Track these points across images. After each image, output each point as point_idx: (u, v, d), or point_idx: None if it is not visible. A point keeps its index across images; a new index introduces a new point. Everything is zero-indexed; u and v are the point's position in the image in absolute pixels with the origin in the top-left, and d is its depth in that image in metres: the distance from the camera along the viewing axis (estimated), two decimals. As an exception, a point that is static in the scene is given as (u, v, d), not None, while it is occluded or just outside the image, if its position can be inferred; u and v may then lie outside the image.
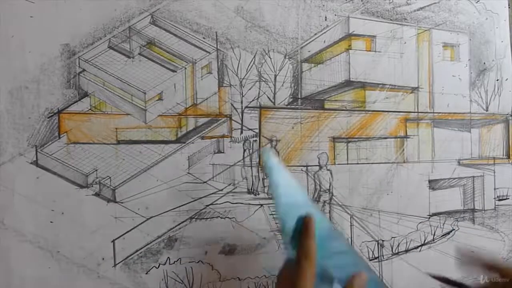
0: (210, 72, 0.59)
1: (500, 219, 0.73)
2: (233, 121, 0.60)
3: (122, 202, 0.55)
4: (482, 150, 0.72)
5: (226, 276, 0.59)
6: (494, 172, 0.73)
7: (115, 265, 0.55)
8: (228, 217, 0.59)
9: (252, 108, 0.61)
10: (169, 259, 0.57)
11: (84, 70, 0.54)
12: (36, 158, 0.53)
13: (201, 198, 0.58)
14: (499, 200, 0.73)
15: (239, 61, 0.60)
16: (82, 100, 0.54)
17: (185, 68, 0.58)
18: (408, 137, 0.69)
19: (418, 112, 0.69)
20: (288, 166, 0.62)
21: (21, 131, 0.52)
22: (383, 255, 0.67)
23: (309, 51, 0.63)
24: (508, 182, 0.73)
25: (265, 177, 0.61)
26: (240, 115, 0.60)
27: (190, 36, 0.58)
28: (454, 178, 0.71)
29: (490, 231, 0.72)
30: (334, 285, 0.40)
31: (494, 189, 0.73)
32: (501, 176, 0.73)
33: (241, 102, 0.60)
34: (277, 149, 0.62)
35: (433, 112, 0.70)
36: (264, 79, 0.61)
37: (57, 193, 0.53)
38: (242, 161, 0.60)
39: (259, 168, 0.61)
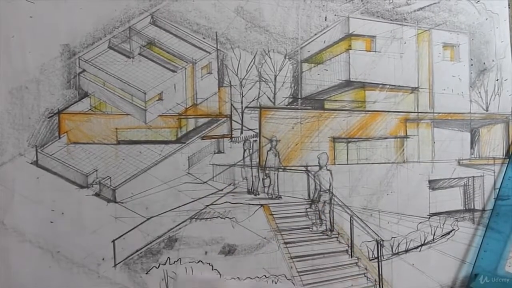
0: (210, 72, 0.59)
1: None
2: (233, 121, 0.60)
3: (122, 202, 0.55)
4: (482, 150, 0.72)
5: (226, 276, 0.59)
6: (494, 172, 0.73)
7: (115, 265, 0.55)
8: (228, 217, 0.59)
9: (252, 108, 0.61)
10: (169, 259, 0.57)
11: (84, 70, 0.54)
12: (36, 158, 0.53)
13: (201, 198, 0.58)
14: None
15: (239, 61, 0.60)
16: (82, 100, 0.54)
17: (185, 68, 0.58)
18: (408, 137, 0.69)
19: (418, 112, 0.69)
20: (288, 166, 0.62)
21: (21, 131, 0.52)
22: (383, 255, 0.67)
23: (309, 51, 0.63)
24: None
25: (265, 177, 0.61)
26: (240, 115, 0.60)
27: (190, 36, 0.58)
28: (454, 178, 0.71)
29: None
30: None
31: (494, 189, 0.73)
32: (501, 176, 0.73)
33: (241, 102, 0.60)
34: (277, 149, 0.62)
35: (433, 112, 0.70)
36: (264, 79, 0.61)
37: (57, 193, 0.53)
38: (242, 161, 0.60)
39: (259, 168, 0.61)
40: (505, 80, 0.73)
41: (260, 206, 0.60)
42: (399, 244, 0.67)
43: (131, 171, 0.55)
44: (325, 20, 0.64)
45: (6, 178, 0.51)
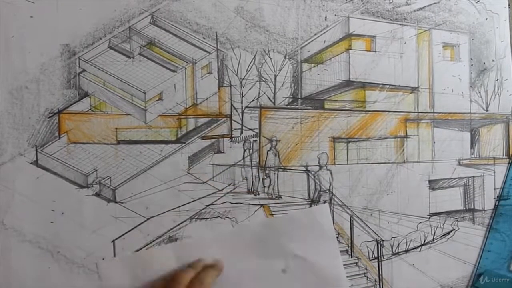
0: (210, 72, 0.59)
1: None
2: (233, 121, 0.60)
3: (122, 202, 0.55)
4: (482, 150, 0.72)
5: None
6: (494, 172, 0.73)
7: (115, 265, 0.55)
8: (228, 217, 0.59)
9: (252, 108, 0.61)
10: (169, 259, 0.57)
11: (84, 70, 0.54)
12: (36, 158, 0.53)
13: (201, 198, 0.58)
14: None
15: (239, 61, 0.60)
16: (82, 100, 0.54)
17: (185, 68, 0.58)
18: (408, 137, 0.69)
19: (418, 112, 0.69)
20: (288, 166, 0.62)
21: (21, 131, 0.52)
22: (383, 255, 0.67)
23: (309, 51, 0.63)
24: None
25: (265, 177, 0.61)
26: (240, 115, 0.60)
27: (190, 36, 0.58)
28: (454, 178, 0.71)
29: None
30: None
31: (494, 189, 0.73)
32: (501, 176, 0.73)
33: (241, 102, 0.60)
34: (277, 149, 0.62)
35: (433, 112, 0.70)
36: (264, 79, 0.61)
37: (57, 193, 0.53)
38: (242, 161, 0.60)
39: (259, 168, 0.61)
40: (505, 80, 0.73)
41: (260, 206, 0.60)
42: (399, 244, 0.67)
43: (131, 171, 0.55)
44: (325, 20, 0.64)
45: (6, 178, 0.51)
